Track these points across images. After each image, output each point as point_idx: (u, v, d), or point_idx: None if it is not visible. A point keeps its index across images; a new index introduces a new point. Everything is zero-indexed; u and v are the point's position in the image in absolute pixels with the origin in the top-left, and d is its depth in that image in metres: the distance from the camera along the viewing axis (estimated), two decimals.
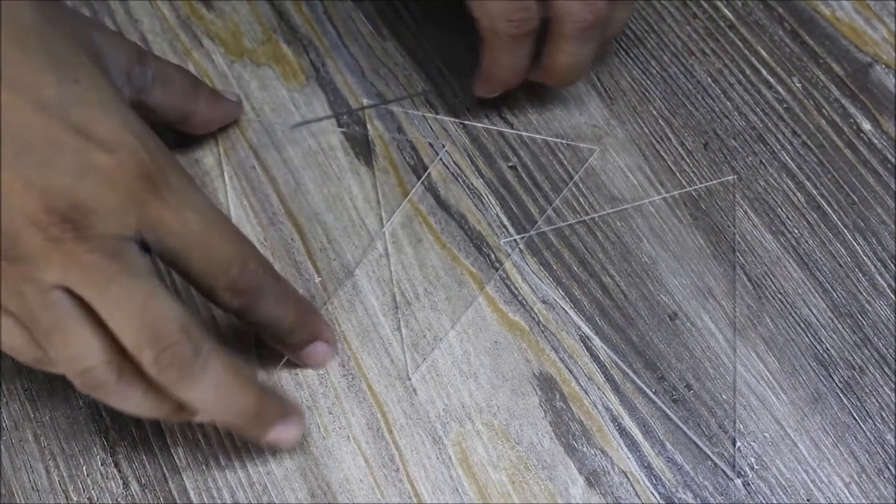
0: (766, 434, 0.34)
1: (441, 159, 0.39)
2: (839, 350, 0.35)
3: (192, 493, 0.33)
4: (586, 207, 0.38)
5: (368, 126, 0.40)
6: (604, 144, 0.39)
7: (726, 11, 0.42)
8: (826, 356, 0.35)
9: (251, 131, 0.40)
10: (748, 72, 0.41)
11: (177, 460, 0.34)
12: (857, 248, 0.37)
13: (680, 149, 0.39)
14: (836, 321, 0.36)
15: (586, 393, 0.35)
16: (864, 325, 0.36)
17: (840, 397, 0.34)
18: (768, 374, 0.35)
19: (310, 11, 0.43)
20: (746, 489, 0.33)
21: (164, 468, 0.34)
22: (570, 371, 0.35)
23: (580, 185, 0.39)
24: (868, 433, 0.34)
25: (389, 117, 0.40)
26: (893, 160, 0.39)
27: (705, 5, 0.42)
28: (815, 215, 0.38)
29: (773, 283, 0.36)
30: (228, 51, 0.42)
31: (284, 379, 0.35)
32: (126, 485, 0.34)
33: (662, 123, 0.40)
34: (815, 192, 0.38)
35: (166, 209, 0.28)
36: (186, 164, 0.39)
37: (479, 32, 0.34)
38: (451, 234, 0.38)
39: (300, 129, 0.40)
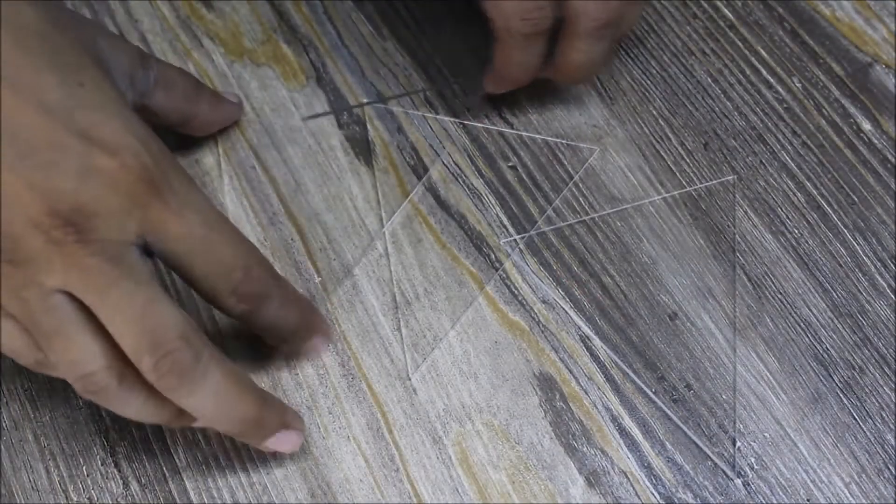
0: (766, 434, 0.34)
1: (441, 159, 0.39)
2: (839, 350, 0.35)
3: (192, 494, 0.33)
4: (586, 207, 0.38)
5: (368, 126, 0.40)
6: (604, 144, 0.39)
7: (726, 11, 0.42)
8: (826, 356, 0.35)
9: (251, 131, 0.40)
10: (748, 72, 0.41)
11: (177, 460, 0.34)
12: (857, 248, 0.37)
13: (680, 149, 0.39)
14: (836, 321, 0.36)
15: (586, 393, 0.35)
16: (864, 325, 0.36)
17: (840, 397, 0.34)
18: (768, 374, 0.35)
19: (310, 11, 0.43)
20: (746, 489, 0.33)
21: (164, 468, 0.34)
22: (570, 371, 0.35)
23: (580, 185, 0.39)
24: (868, 433, 0.34)
25: (389, 117, 0.40)
26: (893, 160, 0.39)
27: (705, 5, 0.42)
28: (815, 215, 0.38)
29: (773, 283, 0.36)
30: (228, 51, 0.42)
31: (284, 379, 0.35)
32: (126, 485, 0.34)
33: (662, 123, 0.40)
34: (815, 192, 0.38)
35: (169, 212, 0.27)
36: (186, 164, 0.39)
37: (492, 31, 0.34)
38: (451, 234, 0.38)
39: (300, 129, 0.40)
